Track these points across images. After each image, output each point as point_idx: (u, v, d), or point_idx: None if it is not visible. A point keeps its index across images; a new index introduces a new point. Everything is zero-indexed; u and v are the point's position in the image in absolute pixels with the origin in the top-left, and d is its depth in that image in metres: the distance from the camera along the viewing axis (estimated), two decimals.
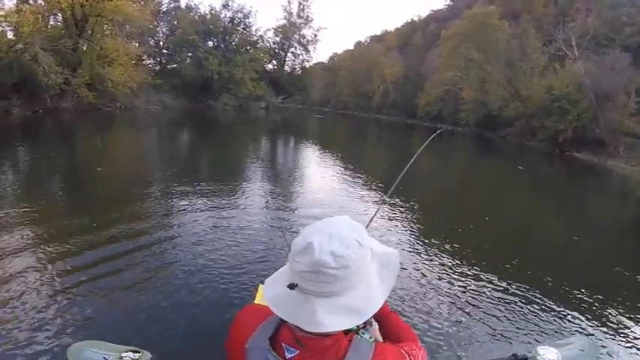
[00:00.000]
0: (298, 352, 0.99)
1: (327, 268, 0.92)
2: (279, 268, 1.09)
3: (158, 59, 41.21)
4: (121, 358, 1.45)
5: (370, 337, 1.04)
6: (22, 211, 6.26)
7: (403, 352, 1.09)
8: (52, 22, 25.68)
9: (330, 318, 0.93)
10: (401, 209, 8.65)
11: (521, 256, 6.74)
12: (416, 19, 75.81)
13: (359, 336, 1.03)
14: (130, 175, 10.23)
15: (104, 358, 1.47)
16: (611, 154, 25.92)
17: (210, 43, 39.50)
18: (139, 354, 1.46)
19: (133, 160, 12.74)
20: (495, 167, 21.78)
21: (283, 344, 1.01)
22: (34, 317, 3.52)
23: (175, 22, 39.33)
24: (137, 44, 35.95)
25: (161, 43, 41.19)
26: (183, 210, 7.03)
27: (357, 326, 1.08)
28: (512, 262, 6.26)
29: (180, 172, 10.43)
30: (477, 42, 35.66)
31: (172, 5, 41.22)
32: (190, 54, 37.41)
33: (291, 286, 0.94)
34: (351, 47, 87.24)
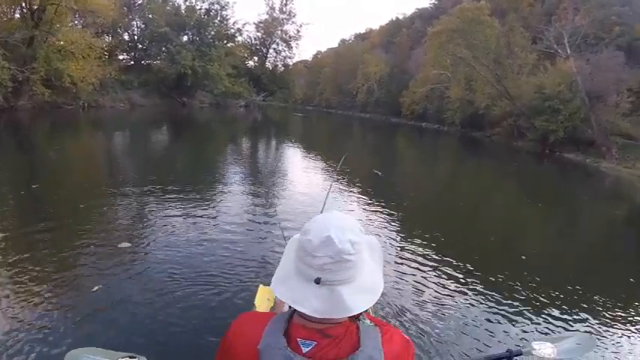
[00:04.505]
0: (315, 343, 1.03)
1: (347, 255, 1.00)
2: (275, 268, 1.13)
3: (133, 54, 39.32)
4: None
5: (370, 322, 1.12)
6: None
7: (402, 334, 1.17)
8: (17, 15, 23.83)
9: (355, 301, 1.01)
10: (388, 210, 8.66)
11: (514, 253, 6.86)
12: (401, 17, 75.01)
13: (362, 322, 1.11)
14: (86, 186, 8.74)
15: None
16: (602, 155, 25.19)
17: (185, 38, 37.71)
18: (135, 359, 1.44)
19: (91, 168, 11.09)
20: (484, 166, 21.49)
21: (298, 339, 1.04)
22: (31, 326, 3.47)
23: (150, 16, 37.39)
24: (109, 38, 34.24)
25: (135, 37, 39.25)
26: (169, 215, 6.72)
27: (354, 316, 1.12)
28: (506, 259, 6.43)
29: (153, 179, 9.11)
30: (465, 39, 34.61)
31: None
32: (164, 48, 35.57)
33: (318, 281, 1.00)
34: (335, 45, 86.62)
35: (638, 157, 23.57)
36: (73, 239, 5.36)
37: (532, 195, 13.59)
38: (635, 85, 25.58)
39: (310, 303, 1.00)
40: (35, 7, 22.14)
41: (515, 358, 1.70)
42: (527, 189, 14.97)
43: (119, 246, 5.26)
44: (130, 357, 1.46)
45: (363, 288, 1.04)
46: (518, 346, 1.67)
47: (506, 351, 1.69)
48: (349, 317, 1.08)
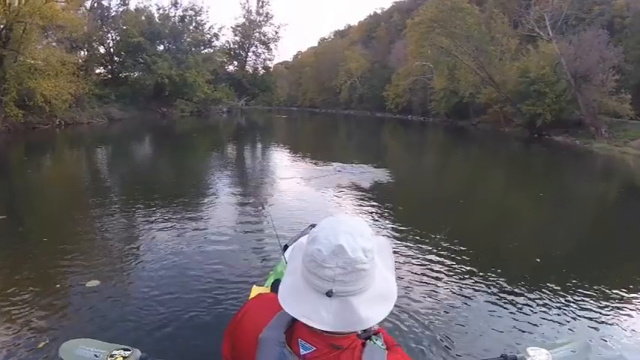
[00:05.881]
0: (314, 349, 1.00)
1: (361, 265, 0.95)
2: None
3: (109, 67, 38.38)
4: (112, 355, 1.48)
5: (382, 345, 1.08)
6: None
7: None
8: None
9: (370, 311, 0.96)
10: (382, 208, 8.44)
11: (508, 250, 6.42)
12: (379, 11, 74.92)
13: (372, 342, 1.06)
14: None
15: (95, 355, 1.50)
16: (592, 136, 25.14)
17: (161, 47, 36.86)
18: (129, 352, 1.48)
19: (64, 192, 10.22)
20: (473, 156, 21.25)
21: (300, 340, 1.01)
22: (28, 317, 3.63)
23: (125, 27, 36.54)
24: (84, 52, 33.35)
25: (111, 50, 38.32)
26: (162, 221, 6.76)
27: (368, 333, 1.10)
28: (507, 255, 6.06)
29: (132, 196, 8.82)
30: (446, 28, 34.32)
31: (121, 9, 38.43)
32: (140, 59, 34.77)
33: (330, 294, 0.95)
34: (315, 44, 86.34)
35: (629, 136, 23.40)
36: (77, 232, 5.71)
37: (528, 182, 13.24)
38: (619, 62, 25.40)
39: (320, 316, 0.95)
40: (2, 27, 21.26)
41: None
42: (522, 177, 14.59)
43: (119, 249, 5.48)
44: (124, 349, 1.47)
45: (377, 297, 0.98)
46: (511, 350, 1.59)
47: (501, 356, 1.64)
48: (361, 334, 1.06)
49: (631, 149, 21.81)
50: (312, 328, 0.98)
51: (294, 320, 1.02)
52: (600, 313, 4.29)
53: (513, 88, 30.09)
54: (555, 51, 26.73)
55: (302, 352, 0.99)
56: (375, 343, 1.05)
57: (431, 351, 3.50)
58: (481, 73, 32.95)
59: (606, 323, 4.14)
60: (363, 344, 1.03)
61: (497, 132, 32.11)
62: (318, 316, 0.95)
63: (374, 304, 0.98)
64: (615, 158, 20.92)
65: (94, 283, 4.41)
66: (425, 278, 4.94)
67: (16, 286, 4.42)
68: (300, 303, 0.98)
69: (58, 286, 4.48)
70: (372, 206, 8.44)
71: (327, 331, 0.98)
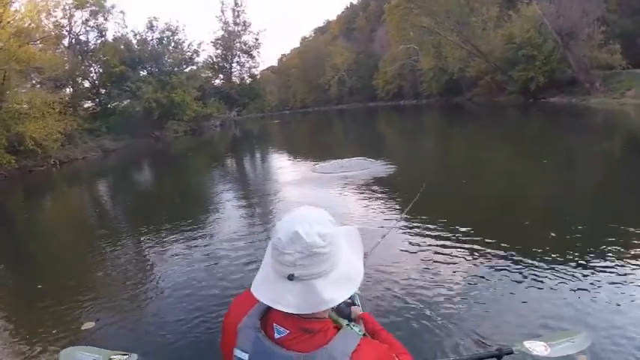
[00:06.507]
0: (288, 332, 1.06)
1: (318, 248, 1.02)
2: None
3: (97, 100, 38.33)
4: (110, 359, 1.49)
5: (360, 331, 1.12)
6: None
7: (393, 355, 1.15)
8: None
9: (333, 292, 1.03)
10: (383, 198, 8.43)
11: (520, 227, 5.80)
12: (355, 1, 74.29)
13: (350, 327, 1.13)
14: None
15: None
16: (588, 91, 24.81)
17: (144, 72, 36.78)
18: (126, 356, 1.50)
19: (61, 233, 10.17)
20: (472, 131, 20.85)
21: (275, 324, 1.08)
22: (28, 325, 4.07)
23: (105, 59, 36.48)
24: (70, 89, 33.39)
25: (96, 82, 38.27)
26: (159, 247, 6.78)
27: (349, 320, 1.19)
28: (513, 237, 5.37)
29: (140, 223, 8.97)
30: (424, 7, 34.06)
31: (99, 41, 38.36)
32: (125, 87, 34.70)
33: (291, 277, 1.02)
34: (298, 45, 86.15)
35: (625, 86, 22.99)
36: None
37: (529, 151, 12.70)
38: (602, 14, 25.01)
39: (286, 300, 1.02)
40: None
41: (506, 356, 1.65)
42: (522, 146, 14.08)
43: (116, 258, 5.94)
44: (122, 354, 1.52)
45: (341, 278, 1.06)
46: (510, 338, 1.53)
47: (496, 350, 1.65)
48: (337, 320, 1.15)
49: (629, 99, 21.41)
50: (285, 313, 1.04)
51: (270, 308, 1.08)
52: (622, 292, 3.80)
53: (501, 56, 29.85)
54: (537, 12, 26.40)
55: (276, 335, 1.06)
56: (352, 328, 1.12)
57: (424, 346, 3.27)
58: (467, 46, 32.70)
59: (628, 301, 3.65)
60: (339, 329, 1.08)
61: (492, 102, 31.87)
62: (284, 300, 1.02)
63: (337, 286, 1.04)
64: (615, 111, 20.51)
65: (89, 325, 4.22)
66: (435, 264, 4.72)
67: (10, 334, 4.30)
68: (269, 290, 1.06)
69: (54, 331, 4.31)
70: (375, 200, 8.21)
71: (300, 315, 1.04)
